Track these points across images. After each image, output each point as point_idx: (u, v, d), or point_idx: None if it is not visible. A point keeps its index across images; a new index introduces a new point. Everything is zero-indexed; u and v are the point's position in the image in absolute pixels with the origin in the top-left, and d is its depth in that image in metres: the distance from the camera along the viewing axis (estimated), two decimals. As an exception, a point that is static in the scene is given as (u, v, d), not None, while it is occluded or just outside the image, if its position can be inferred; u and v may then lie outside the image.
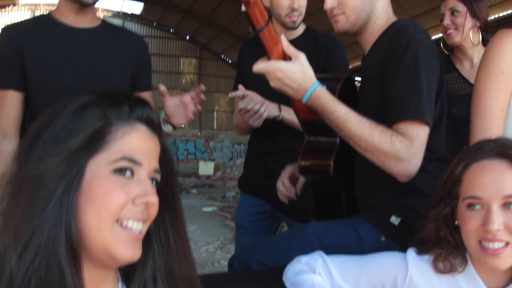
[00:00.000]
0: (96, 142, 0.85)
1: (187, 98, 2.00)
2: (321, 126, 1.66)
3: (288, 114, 2.29)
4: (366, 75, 1.68)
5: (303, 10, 2.30)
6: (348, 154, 1.73)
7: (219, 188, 13.92)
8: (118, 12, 26.80)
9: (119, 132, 0.87)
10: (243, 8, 1.40)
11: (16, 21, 2.00)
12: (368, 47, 1.70)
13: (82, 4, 1.93)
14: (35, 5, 25.29)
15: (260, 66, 1.52)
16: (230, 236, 7.51)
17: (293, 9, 2.27)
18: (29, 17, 2.02)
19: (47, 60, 1.89)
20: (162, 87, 2.01)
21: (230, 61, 28.02)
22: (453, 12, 2.53)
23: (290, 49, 1.52)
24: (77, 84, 1.88)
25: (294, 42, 2.42)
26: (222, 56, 28.09)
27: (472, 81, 2.41)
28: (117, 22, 26.71)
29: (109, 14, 26.62)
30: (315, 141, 1.76)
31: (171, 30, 27.20)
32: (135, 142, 0.88)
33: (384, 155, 1.46)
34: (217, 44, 26.93)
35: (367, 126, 1.47)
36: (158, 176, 0.92)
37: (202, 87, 2.05)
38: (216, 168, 17.47)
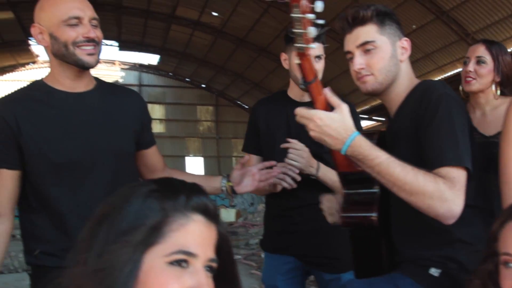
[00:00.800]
0: (153, 235, 0.87)
1: (254, 169, 2.07)
2: (361, 179, 1.68)
3: (323, 174, 2.34)
4: (396, 133, 1.71)
5: (319, 74, 2.34)
6: (387, 205, 1.74)
7: (242, 235, 13.77)
8: (135, 64, 27.49)
9: (175, 224, 0.89)
10: (297, 61, 1.49)
11: (7, 94, 1.83)
12: (394, 107, 1.76)
13: (83, 68, 1.79)
14: (54, 62, 26.06)
15: (302, 112, 1.57)
16: (256, 286, 7.35)
17: None
18: (21, 87, 1.85)
19: (46, 133, 1.74)
20: (246, 158, 2.13)
21: (246, 106, 28.32)
22: (479, 61, 2.50)
23: (333, 99, 1.57)
24: (80, 155, 1.77)
25: (310, 104, 2.49)
26: (238, 102, 28.43)
27: (481, 130, 2.46)
28: (135, 74, 27.34)
29: (127, 66, 27.32)
30: (355, 193, 1.77)
31: (187, 79, 27.74)
32: (191, 234, 0.90)
33: (429, 197, 1.45)
34: (233, 91, 27.35)
35: (410, 169, 1.48)
36: (214, 264, 0.94)
37: (273, 162, 2.13)
38: (238, 215, 17.35)
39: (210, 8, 19.23)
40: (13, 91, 1.83)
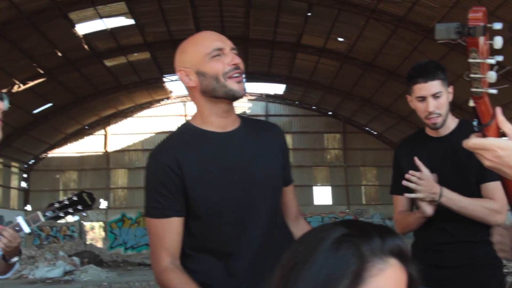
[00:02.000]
0: (354, 283, 0.85)
1: None
2: None
3: (447, 199, 2.33)
4: None
5: (443, 111, 2.39)
6: None
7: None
8: (261, 95, 28.31)
9: (375, 270, 0.86)
10: (471, 103, 1.37)
11: (161, 142, 1.88)
12: None
13: (234, 99, 1.81)
14: (187, 96, 27.82)
15: (477, 142, 1.37)
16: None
17: (429, 112, 2.39)
18: (171, 133, 1.92)
19: (206, 179, 1.77)
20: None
21: (375, 133, 27.69)
22: None
23: (506, 125, 1.38)
24: (241, 196, 1.78)
25: (449, 137, 2.43)
26: (367, 128, 27.93)
27: None
28: (261, 104, 28.13)
29: (253, 97, 28.23)
30: None
31: (313, 107, 27.88)
32: (389, 279, 0.87)
33: None
34: (361, 117, 26.96)
35: None
36: None
37: None
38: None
39: (335, 34, 19.30)
40: (165, 138, 1.88)
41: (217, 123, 1.83)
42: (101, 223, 27.08)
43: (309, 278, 0.85)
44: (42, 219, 2.88)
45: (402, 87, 21.36)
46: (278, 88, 27.26)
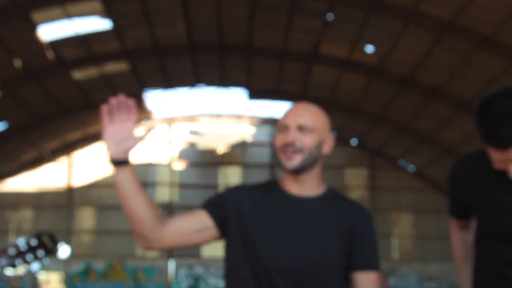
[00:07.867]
0: None
1: None
2: None
3: None
4: None
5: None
6: None
7: None
8: (267, 119, 28.38)
9: None
10: None
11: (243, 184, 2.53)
12: None
13: (287, 172, 2.35)
14: (173, 118, 27.76)
15: None
16: None
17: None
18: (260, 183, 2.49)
19: (248, 225, 2.30)
20: None
21: (412, 168, 27.43)
22: None
23: None
24: (272, 256, 2.24)
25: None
26: (401, 162, 27.74)
27: None
28: (266, 131, 28.04)
29: (258, 121, 28.18)
30: None
31: (332, 133, 27.64)
32: None
33: None
34: (394, 148, 26.90)
35: None
36: None
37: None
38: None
39: (364, 42, 19.33)
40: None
41: (288, 185, 2.39)
42: (60, 275, 26.91)
43: None
44: None
45: (448, 110, 21.26)
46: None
